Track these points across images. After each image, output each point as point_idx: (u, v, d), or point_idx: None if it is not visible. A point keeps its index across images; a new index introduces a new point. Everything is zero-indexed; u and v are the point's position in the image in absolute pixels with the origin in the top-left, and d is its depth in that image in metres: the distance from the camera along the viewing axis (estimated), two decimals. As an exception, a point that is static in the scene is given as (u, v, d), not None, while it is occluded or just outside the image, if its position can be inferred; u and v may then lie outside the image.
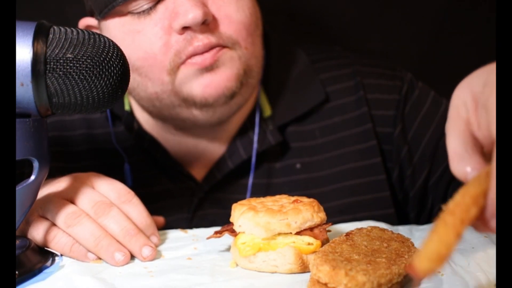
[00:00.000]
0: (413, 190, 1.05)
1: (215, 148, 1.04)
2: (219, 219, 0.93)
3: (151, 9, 0.89)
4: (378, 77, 1.06)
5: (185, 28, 0.88)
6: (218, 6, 0.90)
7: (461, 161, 0.53)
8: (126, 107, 1.04)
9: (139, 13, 0.89)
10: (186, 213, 1.03)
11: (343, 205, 1.02)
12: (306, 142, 1.04)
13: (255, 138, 1.01)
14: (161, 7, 0.89)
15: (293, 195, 0.80)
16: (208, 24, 0.89)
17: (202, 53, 0.89)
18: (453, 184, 1.02)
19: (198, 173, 1.04)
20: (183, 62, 0.90)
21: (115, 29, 0.92)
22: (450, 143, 0.54)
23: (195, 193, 1.03)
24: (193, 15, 0.86)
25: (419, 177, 1.04)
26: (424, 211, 1.07)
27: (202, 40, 0.88)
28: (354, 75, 1.05)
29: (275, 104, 1.03)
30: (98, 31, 0.94)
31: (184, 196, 1.03)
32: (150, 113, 1.00)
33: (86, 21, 0.98)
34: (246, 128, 1.03)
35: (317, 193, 0.99)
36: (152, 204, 0.85)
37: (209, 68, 0.90)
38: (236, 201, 0.79)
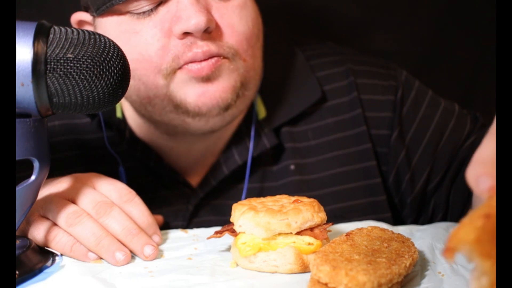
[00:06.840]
0: (412, 195, 1.03)
1: (210, 154, 1.01)
2: (215, 226, 0.91)
3: (151, 10, 0.86)
4: (372, 76, 1.03)
5: (186, 34, 0.85)
6: (221, 14, 0.87)
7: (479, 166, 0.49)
8: (118, 114, 1.01)
9: (138, 13, 0.86)
10: (181, 221, 1.01)
11: (338, 210, 0.99)
12: (299, 143, 1.01)
13: (251, 143, 0.99)
14: (162, 9, 0.86)
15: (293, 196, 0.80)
16: (210, 32, 0.86)
17: (200, 61, 0.86)
18: (454, 191, 1.00)
19: (194, 179, 1.02)
20: (180, 67, 0.87)
21: (111, 27, 0.89)
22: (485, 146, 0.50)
23: (190, 200, 1.01)
24: (196, 21, 0.83)
25: (418, 182, 1.02)
26: (422, 217, 1.05)
27: (202, 47, 0.85)
28: (347, 74, 1.02)
29: (270, 105, 1.01)
30: (91, 28, 0.92)
31: (179, 203, 1.01)
32: (142, 116, 0.97)
33: (80, 16, 0.94)
34: (241, 132, 1.00)
35: (312, 197, 0.97)
36: None
37: (205, 78, 0.87)
38: (231, 208, 0.78)
